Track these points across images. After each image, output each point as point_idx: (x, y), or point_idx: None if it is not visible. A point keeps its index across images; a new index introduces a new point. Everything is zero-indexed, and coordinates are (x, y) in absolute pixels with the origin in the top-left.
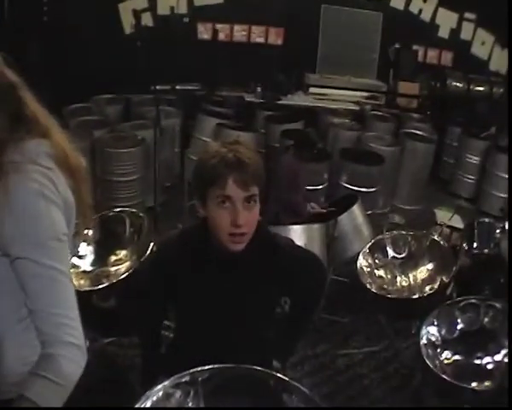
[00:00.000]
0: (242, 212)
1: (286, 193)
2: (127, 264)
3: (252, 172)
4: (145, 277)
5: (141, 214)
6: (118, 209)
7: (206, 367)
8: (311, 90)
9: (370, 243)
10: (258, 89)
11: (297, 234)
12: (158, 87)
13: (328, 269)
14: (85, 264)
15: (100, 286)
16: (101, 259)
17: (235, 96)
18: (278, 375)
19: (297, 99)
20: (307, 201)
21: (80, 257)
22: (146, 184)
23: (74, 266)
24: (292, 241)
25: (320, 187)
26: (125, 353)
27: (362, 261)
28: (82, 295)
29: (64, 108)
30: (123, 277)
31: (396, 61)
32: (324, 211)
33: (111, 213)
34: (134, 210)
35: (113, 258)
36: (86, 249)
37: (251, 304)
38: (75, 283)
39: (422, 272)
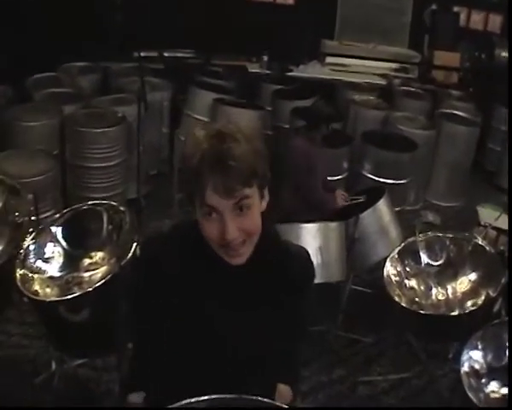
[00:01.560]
0: (232, 223)
1: (301, 184)
2: (104, 269)
3: (239, 174)
4: (126, 285)
5: (121, 208)
6: (93, 202)
7: (204, 398)
8: (329, 59)
9: (400, 247)
10: (265, 58)
11: (311, 234)
12: (142, 54)
13: (348, 277)
14: (52, 268)
15: (70, 296)
16: (71, 262)
17: (236, 67)
18: (285, 407)
19: (311, 71)
20: (331, 192)
21: (46, 260)
22: (127, 171)
23: (39, 270)
24: (306, 252)
25: (338, 177)
26: (99, 376)
27: (389, 269)
28: (48, 307)
29: (27, 79)
30: (99, 284)
31: (432, 26)
32: (347, 203)
33: (85, 207)
34: (113, 203)
35: (86, 261)
36: (54, 251)
37: (251, 327)
38: (40, 291)
39: (463, 283)
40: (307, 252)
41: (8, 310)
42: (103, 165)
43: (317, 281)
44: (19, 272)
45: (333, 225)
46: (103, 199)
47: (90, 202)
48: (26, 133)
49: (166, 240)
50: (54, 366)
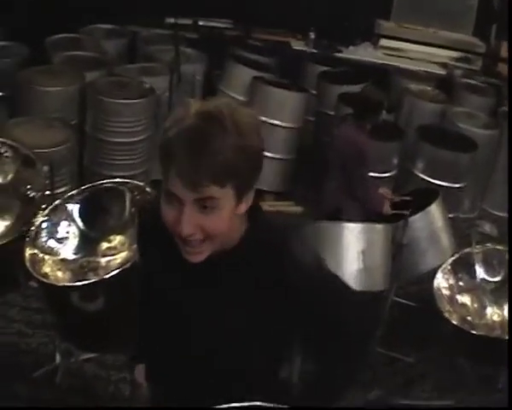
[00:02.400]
0: (191, 218)
1: (347, 179)
2: (123, 254)
3: (210, 169)
4: None
5: (147, 189)
6: (116, 180)
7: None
8: (383, 42)
9: (454, 258)
10: (312, 35)
11: (353, 235)
12: (175, 21)
13: (391, 286)
14: (66, 250)
15: (84, 282)
16: (88, 245)
17: (279, 42)
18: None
19: (362, 53)
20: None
21: (60, 241)
22: (153, 148)
23: (51, 251)
24: (316, 257)
25: (386, 175)
26: (107, 375)
27: (440, 281)
28: (58, 292)
29: (46, 38)
30: (116, 271)
31: (502, 12)
32: (397, 200)
33: (106, 185)
34: (138, 183)
35: (104, 245)
36: (69, 231)
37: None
38: (50, 274)
39: None
40: (319, 258)
41: (10, 293)
42: (126, 140)
43: (356, 288)
44: (28, 251)
45: (379, 227)
46: (124, 178)
47: (112, 180)
48: (42, 99)
49: (149, 215)
50: (58, 358)
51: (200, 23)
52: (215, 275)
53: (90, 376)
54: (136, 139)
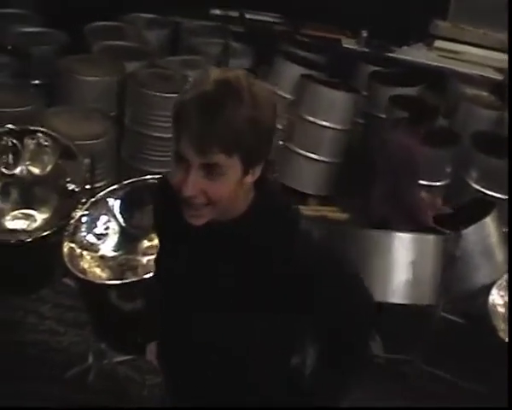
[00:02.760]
0: (195, 180)
1: (397, 187)
2: None
3: (220, 136)
4: None
5: None
6: (159, 176)
7: None
8: (438, 43)
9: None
10: (364, 33)
11: (404, 245)
12: (220, 12)
13: (439, 300)
14: (106, 247)
15: (123, 281)
16: (128, 243)
17: (329, 39)
18: None
19: (416, 54)
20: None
21: (99, 236)
22: None
23: (89, 247)
24: (325, 245)
25: (438, 183)
26: (142, 379)
27: (495, 297)
28: (96, 290)
29: (86, 26)
30: None
31: None
32: (447, 211)
33: (149, 181)
34: None
35: (145, 244)
36: (109, 227)
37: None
38: (88, 271)
39: None
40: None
41: (43, 289)
42: (166, 135)
43: (403, 301)
44: (67, 245)
45: (430, 238)
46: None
47: (155, 176)
48: (81, 88)
49: (161, 189)
50: (90, 359)
51: (247, 16)
52: (220, 244)
53: (122, 378)
54: (169, 136)
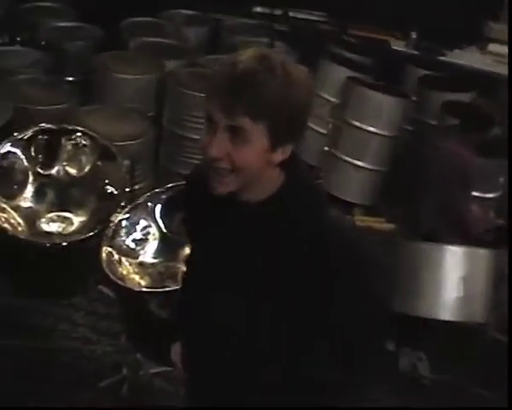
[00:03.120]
0: (220, 141)
1: (447, 199)
2: None
3: (248, 99)
4: None
5: None
6: None
7: None
8: (491, 47)
9: None
10: (413, 35)
11: (454, 259)
12: (262, 10)
13: (489, 319)
14: (145, 253)
15: (163, 289)
16: (168, 249)
17: (376, 41)
18: None
19: (468, 58)
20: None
21: (138, 242)
22: None
23: (129, 253)
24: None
25: (491, 195)
26: (177, 391)
27: None
28: (134, 298)
29: (122, 21)
30: None
31: None
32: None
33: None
34: None
35: (186, 251)
36: (149, 232)
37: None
38: (127, 277)
39: None
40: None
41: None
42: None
43: (453, 319)
44: (105, 250)
45: (482, 252)
46: None
47: None
48: (117, 86)
49: (191, 177)
50: (125, 370)
51: (291, 14)
52: (249, 226)
53: (157, 390)
54: None
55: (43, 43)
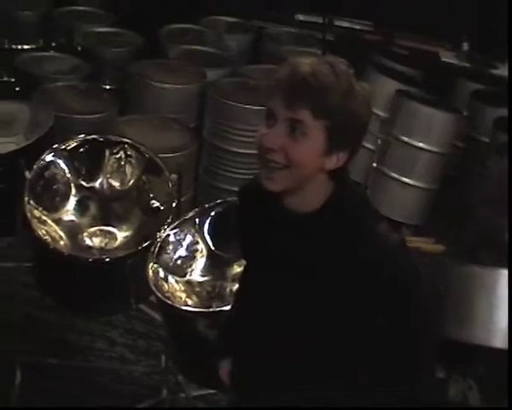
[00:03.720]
0: (277, 133)
1: (494, 218)
2: None
3: (311, 95)
4: None
5: None
6: None
7: None
8: None
9: None
10: (465, 46)
11: (503, 283)
12: (305, 18)
13: None
14: (193, 271)
15: (210, 309)
16: (217, 268)
17: (426, 52)
18: None
19: None
20: None
21: (185, 260)
22: None
23: (175, 270)
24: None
25: None
26: None
27: None
28: (181, 317)
29: (161, 28)
30: None
31: None
32: None
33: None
34: None
35: (235, 269)
36: (197, 249)
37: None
38: (174, 296)
39: None
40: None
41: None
42: (249, 151)
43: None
44: (151, 267)
45: None
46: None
47: None
48: (157, 96)
49: (244, 189)
50: (165, 392)
51: (336, 23)
52: (298, 237)
53: None
54: (250, 151)
55: (79, 48)
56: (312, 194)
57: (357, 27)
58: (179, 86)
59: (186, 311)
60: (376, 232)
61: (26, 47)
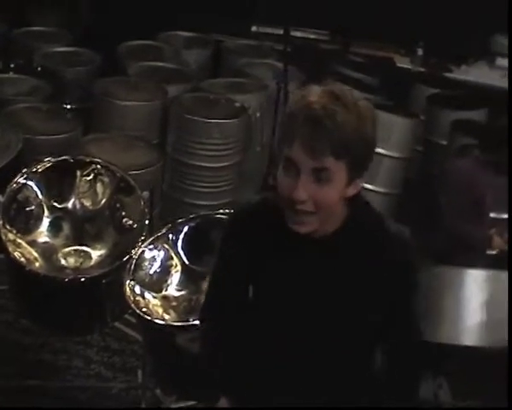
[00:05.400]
0: (305, 185)
1: (461, 220)
2: None
3: (332, 139)
4: None
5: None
6: (225, 211)
7: None
8: (500, 61)
9: None
10: (419, 51)
11: (476, 283)
12: (261, 30)
13: None
14: (169, 286)
15: (188, 322)
16: (192, 282)
17: (381, 59)
18: None
19: (477, 74)
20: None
21: (161, 275)
22: (242, 174)
23: (152, 285)
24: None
25: (505, 217)
26: None
27: None
28: (159, 331)
29: (120, 45)
30: None
31: None
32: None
33: (213, 216)
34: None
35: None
36: (172, 264)
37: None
38: (151, 311)
39: None
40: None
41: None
42: (213, 165)
43: (477, 344)
44: (128, 284)
45: (504, 275)
46: (207, 207)
47: (222, 211)
48: (120, 114)
49: (245, 214)
50: (143, 406)
51: (292, 33)
52: (319, 259)
53: None
54: (224, 164)
55: (39, 69)
56: (331, 219)
57: (313, 37)
58: (143, 103)
59: (165, 325)
60: (395, 238)
61: None
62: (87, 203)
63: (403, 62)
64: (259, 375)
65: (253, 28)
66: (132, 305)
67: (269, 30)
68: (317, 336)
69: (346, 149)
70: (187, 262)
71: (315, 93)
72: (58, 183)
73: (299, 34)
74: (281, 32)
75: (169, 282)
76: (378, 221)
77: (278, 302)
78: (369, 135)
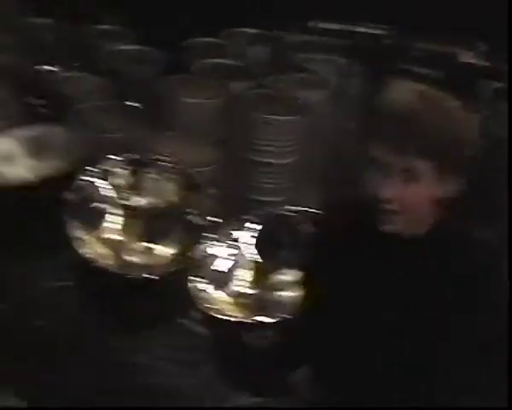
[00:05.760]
0: (391, 183)
1: None
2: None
3: (420, 140)
4: None
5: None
6: (290, 207)
7: None
8: None
9: None
10: (481, 45)
11: None
12: (323, 25)
13: None
14: (235, 283)
15: (254, 319)
16: (260, 277)
17: (441, 53)
18: None
19: None
20: None
21: (228, 272)
22: (305, 171)
23: (218, 282)
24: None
25: None
26: None
27: None
28: (226, 328)
29: (182, 42)
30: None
31: None
32: None
33: (279, 213)
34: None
35: (277, 279)
36: (238, 261)
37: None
38: (218, 308)
39: None
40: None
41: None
42: (278, 161)
43: None
44: (194, 281)
45: None
46: (271, 203)
47: (286, 207)
48: (184, 112)
49: (333, 213)
50: (208, 403)
51: (354, 28)
52: (403, 259)
53: None
54: (284, 161)
55: (103, 68)
56: (420, 220)
57: (374, 32)
58: (206, 101)
59: (233, 322)
60: (483, 245)
61: None
62: (154, 201)
63: (466, 56)
64: (334, 375)
65: (314, 24)
66: (199, 301)
67: (331, 26)
68: (400, 337)
69: (434, 148)
70: (252, 258)
71: (402, 91)
72: (125, 181)
73: (361, 29)
74: (342, 27)
75: (234, 278)
76: (466, 225)
77: (362, 302)
78: (459, 135)
